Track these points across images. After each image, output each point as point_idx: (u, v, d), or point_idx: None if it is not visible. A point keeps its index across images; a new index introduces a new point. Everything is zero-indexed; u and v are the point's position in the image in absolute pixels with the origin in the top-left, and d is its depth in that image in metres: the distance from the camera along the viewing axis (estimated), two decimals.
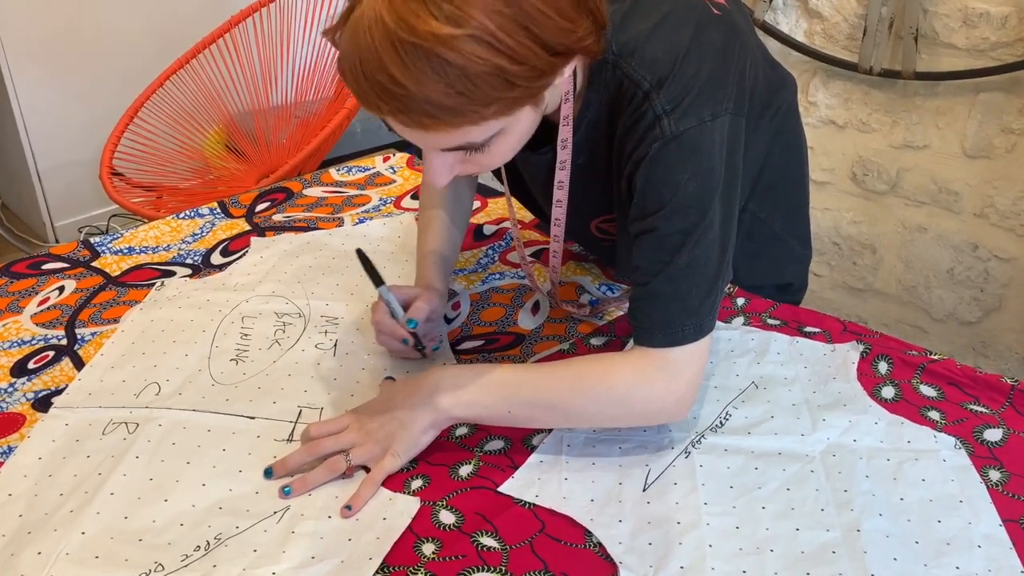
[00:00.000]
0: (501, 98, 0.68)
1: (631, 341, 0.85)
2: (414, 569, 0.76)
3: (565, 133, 0.86)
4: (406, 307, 0.97)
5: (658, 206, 0.80)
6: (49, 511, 0.80)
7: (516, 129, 0.75)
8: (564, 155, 0.88)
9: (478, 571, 0.75)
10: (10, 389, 0.97)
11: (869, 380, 0.95)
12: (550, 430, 0.90)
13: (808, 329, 1.04)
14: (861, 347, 1.00)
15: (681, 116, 0.79)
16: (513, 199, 1.08)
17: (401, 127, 0.71)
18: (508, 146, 0.77)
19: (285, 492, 0.82)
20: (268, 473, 0.83)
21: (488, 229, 1.28)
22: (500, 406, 0.84)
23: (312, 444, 0.85)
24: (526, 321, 1.09)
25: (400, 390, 0.87)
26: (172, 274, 1.19)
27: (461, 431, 0.91)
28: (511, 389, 0.84)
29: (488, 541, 0.78)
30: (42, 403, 0.94)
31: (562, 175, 0.89)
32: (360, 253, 0.95)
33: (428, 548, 0.77)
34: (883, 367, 0.97)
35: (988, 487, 0.82)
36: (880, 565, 0.74)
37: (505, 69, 0.66)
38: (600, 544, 0.78)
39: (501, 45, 0.65)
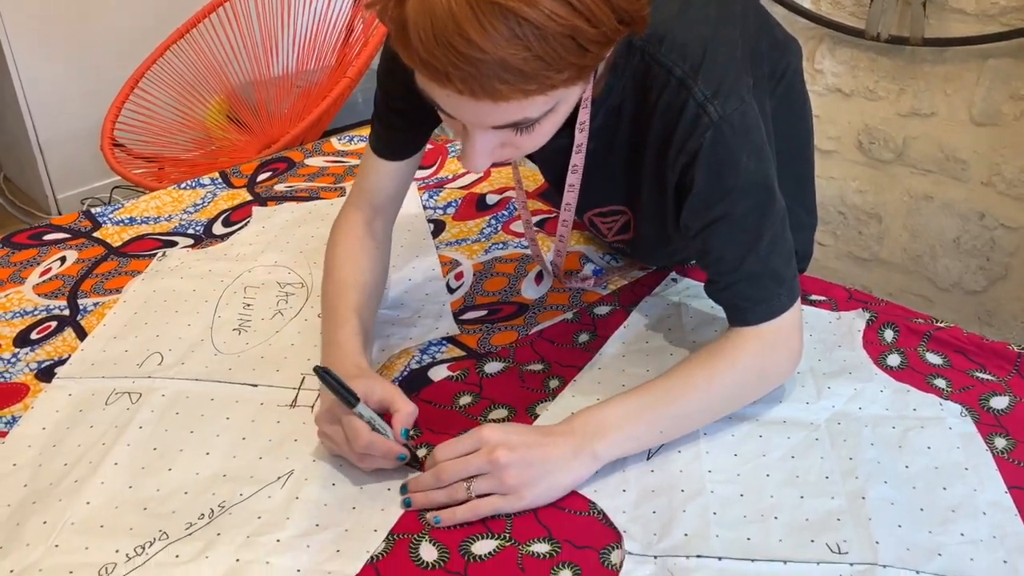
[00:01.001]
0: (573, 64, 0.66)
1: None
2: (419, 536, 0.76)
3: (584, 116, 0.85)
4: (381, 415, 0.81)
5: (724, 192, 0.80)
6: (54, 481, 0.80)
7: (563, 108, 0.74)
8: (581, 138, 0.87)
9: (482, 538, 0.75)
10: (13, 360, 0.97)
11: (875, 348, 0.95)
12: (553, 398, 0.89)
13: (813, 297, 1.03)
14: (867, 315, 0.99)
15: (725, 99, 0.78)
16: (520, 167, 1.06)
17: (466, 100, 0.67)
18: (552, 124, 0.75)
19: (406, 504, 0.78)
20: (403, 490, 0.79)
21: (491, 199, 1.27)
22: (651, 431, 0.82)
23: (438, 469, 0.78)
24: (530, 291, 1.08)
25: (543, 434, 0.80)
26: (174, 244, 1.19)
27: (465, 400, 0.91)
28: (654, 411, 0.81)
29: None
30: (45, 373, 0.94)
31: (577, 159, 0.88)
32: (322, 372, 0.78)
33: (432, 515, 0.77)
34: (889, 335, 0.97)
35: (994, 455, 0.82)
36: (885, 532, 0.74)
37: (581, 31, 0.65)
38: (604, 512, 0.77)
39: (580, 5, 0.64)
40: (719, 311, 1.00)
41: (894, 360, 0.93)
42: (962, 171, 1.81)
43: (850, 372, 0.91)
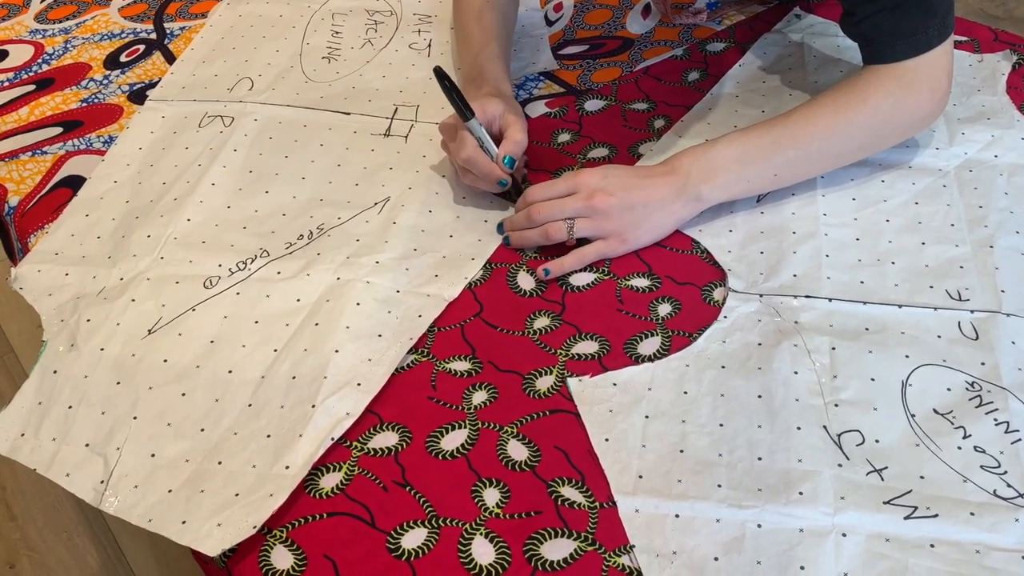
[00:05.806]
0: None
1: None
2: (516, 266, 0.74)
3: None
4: (495, 138, 0.78)
5: None
6: (154, 198, 0.81)
7: None
8: None
9: (581, 271, 0.74)
10: (105, 81, 0.95)
11: (1019, 94, 0.86)
12: (658, 138, 0.84)
13: (954, 38, 0.93)
14: (1014, 58, 0.89)
15: None
16: None
17: None
18: None
19: (505, 242, 0.76)
20: (500, 228, 0.77)
21: None
22: (764, 174, 0.75)
23: (531, 209, 0.74)
24: (635, 25, 1.00)
25: (643, 175, 0.75)
26: None
27: (564, 138, 0.86)
28: (769, 151, 0.75)
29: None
30: (137, 95, 0.93)
31: None
32: (441, 74, 0.75)
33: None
34: None
35: None
36: (1012, 281, 0.69)
37: None
38: (708, 251, 0.75)
39: None
40: (846, 50, 0.92)
41: None
42: None
43: (988, 118, 0.83)
